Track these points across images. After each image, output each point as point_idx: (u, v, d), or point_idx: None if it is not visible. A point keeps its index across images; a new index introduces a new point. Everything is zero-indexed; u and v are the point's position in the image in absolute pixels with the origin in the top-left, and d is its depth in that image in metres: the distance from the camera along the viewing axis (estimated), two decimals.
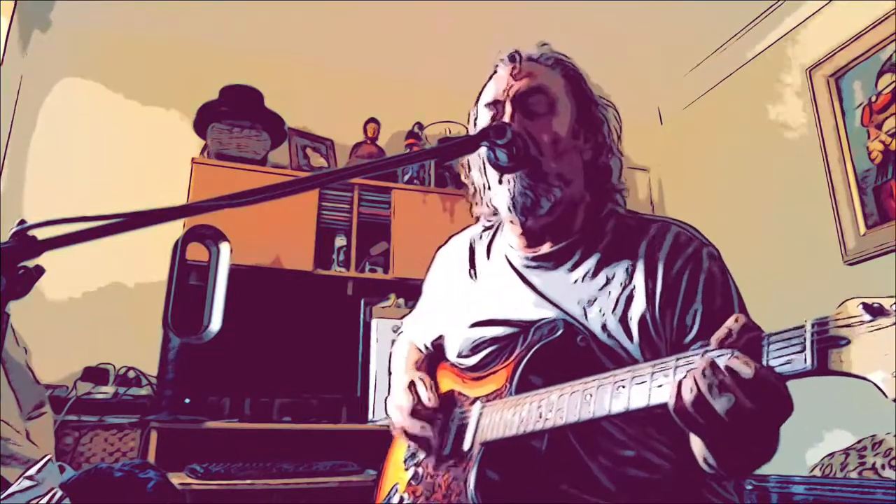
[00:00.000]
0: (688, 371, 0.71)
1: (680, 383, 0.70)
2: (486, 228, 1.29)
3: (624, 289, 1.01)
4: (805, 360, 0.63)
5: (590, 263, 1.07)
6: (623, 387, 0.79)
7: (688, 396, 0.68)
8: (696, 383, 0.68)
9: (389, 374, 1.37)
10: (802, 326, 0.64)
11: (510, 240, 1.18)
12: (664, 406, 0.73)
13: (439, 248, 1.40)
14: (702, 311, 0.97)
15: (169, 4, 2.93)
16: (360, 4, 2.93)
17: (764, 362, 0.66)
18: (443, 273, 1.35)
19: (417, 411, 1.14)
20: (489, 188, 1.15)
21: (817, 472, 2.07)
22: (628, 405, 0.78)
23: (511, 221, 1.14)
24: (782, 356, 0.65)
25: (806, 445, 2.29)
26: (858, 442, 2.06)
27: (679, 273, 0.99)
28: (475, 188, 1.23)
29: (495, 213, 1.21)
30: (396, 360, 1.38)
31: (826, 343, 0.61)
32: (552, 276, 1.10)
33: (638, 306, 0.99)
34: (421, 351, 1.36)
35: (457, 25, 3.02)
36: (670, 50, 3.25)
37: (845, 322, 0.61)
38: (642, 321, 0.98)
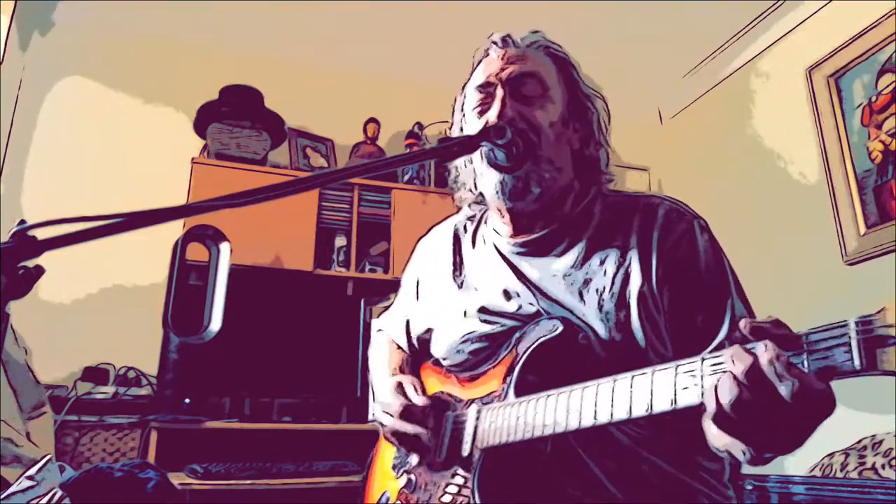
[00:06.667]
0: (719, 370, 0.68)
1: (716, 387, 0.66)
2: (470, 217, 1.25)
3: (619, 267, 1.00)
4: (852, 359, 0.59)
5: (581, 246, 1.05)
6: (643, 388, 0.75)
7: (726, 399, 0.65)
8: (747, 378, 0.64)
9: (369, 375, 1.29)
10: (845, 324, 0.61)
11: (497, 227, 1.15)
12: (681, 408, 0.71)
13: (420, 238, 1.33)
14: (698, 283, 0.96)
15: (169, 4, 2.93)
16: (359, 4, 2.93)
17: (805, 363, 0.63)
18: (425, 266, 1.28)
19: (408, 411, 1.07)
20: (475, 172, 1.13)
21: (817, 472, 2.07)
22: (651, 408, 0.74)
23: (497, 207, 1.11)
24: (825, 356, 0.62)
25: (806, 445, 2.29)
26: (858, 442, 2.05)
27: (674, 247, 0.99)
28: (458, 172, 1.19)
29: (479, 200, 1.18)
30: (376, 361, 1.31)
31: (873, 342, 0.58)
32: (542, 263, 1.07)
33: (635, 283, 0.98)
34: (402, 350, 1.30)
35: (457, 25, 3.01)
36: (670, 50, 3.25)
37: (893, 321, 0.58)
38: (641, 297, 0.96)
